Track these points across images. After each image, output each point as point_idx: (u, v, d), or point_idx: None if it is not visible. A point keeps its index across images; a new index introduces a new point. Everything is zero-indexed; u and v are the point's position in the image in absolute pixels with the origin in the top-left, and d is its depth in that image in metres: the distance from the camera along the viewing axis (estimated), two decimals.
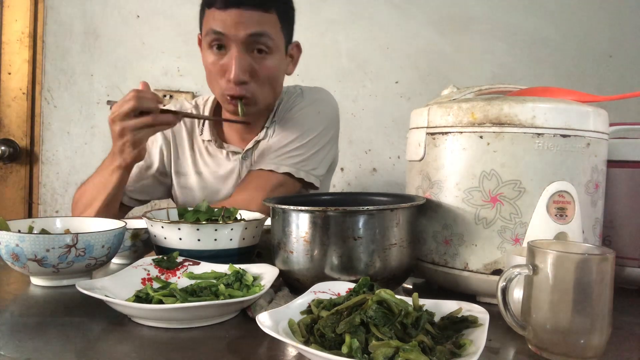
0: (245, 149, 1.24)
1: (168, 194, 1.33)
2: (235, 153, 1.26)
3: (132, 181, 1.21)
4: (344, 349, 0.48)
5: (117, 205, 1.14)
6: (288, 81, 1.34)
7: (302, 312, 0.57)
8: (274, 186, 1.13)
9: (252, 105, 1.15)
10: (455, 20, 1.94)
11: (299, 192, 1.21)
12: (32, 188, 1.88)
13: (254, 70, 1.11)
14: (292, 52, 1.23)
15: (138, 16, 1.87)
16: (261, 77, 1.12)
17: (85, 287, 0.61)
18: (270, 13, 1.09)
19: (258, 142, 1.24)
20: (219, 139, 1.27)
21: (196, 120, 1.29)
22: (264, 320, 0.51)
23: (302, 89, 1.29)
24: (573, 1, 1.95)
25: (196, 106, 1.32)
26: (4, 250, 0.72)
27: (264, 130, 1.24)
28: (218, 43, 1.10)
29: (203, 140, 1.27)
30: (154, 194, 1.30)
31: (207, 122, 1.26)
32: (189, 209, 0.91)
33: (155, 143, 1.28)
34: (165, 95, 1.87)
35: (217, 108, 1.30)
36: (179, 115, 1.07)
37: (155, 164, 1.28)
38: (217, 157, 1.27)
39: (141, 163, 1.22)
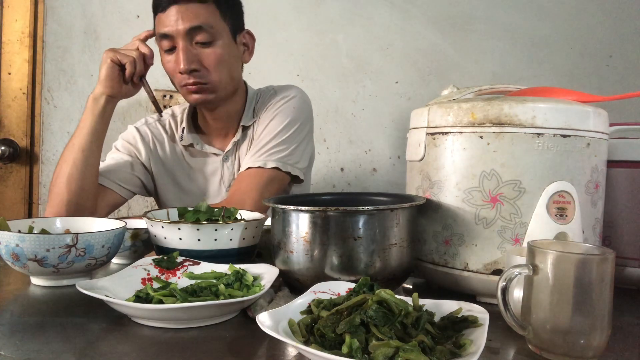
0: (225, 151, 1.28)
1: (145, 190, 1.34)
2: (216, 155, 1.30)
3: (112, 167, 1.26)
4: (344, 349, 0.48)
5: (100, 143, 1.18)
6: (263, 83, 1.35)
7: (302, 312, 0.57)
8: (265, 182, 1.17)
9: (209, 92, 1.19)
10: (456, 20, 1.94)
11: (286, 188, 1.26)
12: (32, 188, 1.88)
13: (201, 59, 1.16)
14: (245, 40, 1.27)
15: (138, 16, 1.86)
16: (209, 65, 1.17)
17: (85, 287, 0.61)
18: (207, 4, 1.15)
19: (236, 143, 1.28)
20: (200, 141, 1.30)
21: (175, 126, 1.34)
22: (264, 320, 0.51)
23: (275, 88, 1.33)
24: (573, 1, 1.94)
25: (173, 115, 1.36)
26: (4, 250, 0.72)
27: (240, 130, 1.28)
28: (168, 45, 1.17)
29: (184, 146, 1.31)
30: (131, 182, 1.30)
31: (186, 127, 1.30)
32: (189, 208, 0.91)
33: (139, 147, 1.30)
34: (165, 95, 1.87)
35: (194, 114, 1.34)
36: (146, 87, 1.20)
37: (138, 162, 1.30)
38: (199, 160, 1.31)
39: (125, 157, 1.28)
